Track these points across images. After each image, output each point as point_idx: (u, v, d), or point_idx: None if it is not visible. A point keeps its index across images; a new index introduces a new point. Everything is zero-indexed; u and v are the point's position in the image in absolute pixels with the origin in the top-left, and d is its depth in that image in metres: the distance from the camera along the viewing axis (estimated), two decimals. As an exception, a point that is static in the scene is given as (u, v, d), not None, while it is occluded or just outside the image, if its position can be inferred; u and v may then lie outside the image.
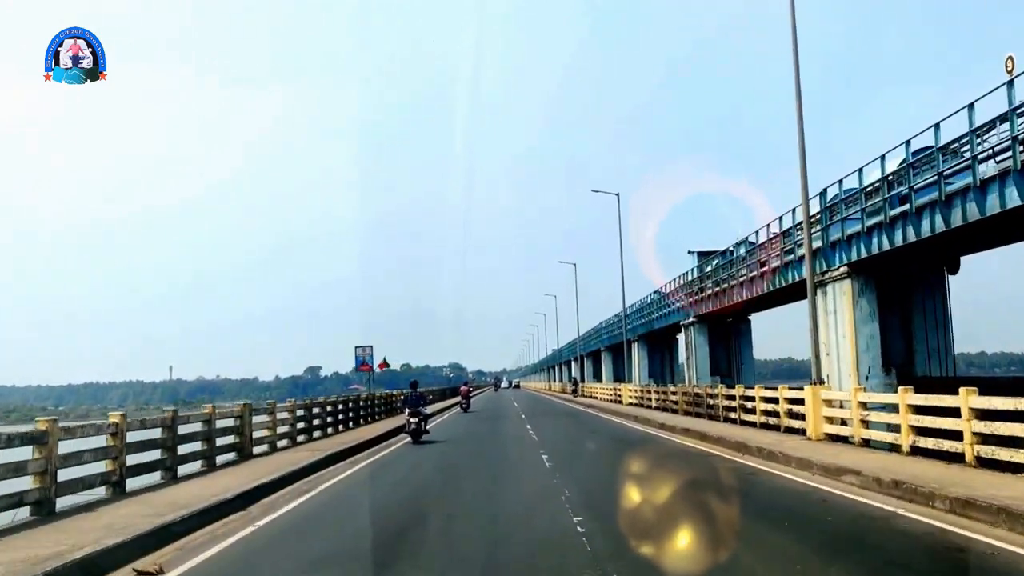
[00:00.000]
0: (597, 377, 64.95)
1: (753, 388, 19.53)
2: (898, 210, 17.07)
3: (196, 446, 12.97)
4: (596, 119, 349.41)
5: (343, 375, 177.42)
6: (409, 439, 19.26)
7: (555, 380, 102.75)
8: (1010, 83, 13.24)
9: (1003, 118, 13.79)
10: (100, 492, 9.83)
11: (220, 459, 13.71)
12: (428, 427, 20.86)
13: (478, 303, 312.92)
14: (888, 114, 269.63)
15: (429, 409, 22.28)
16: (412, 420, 19.06)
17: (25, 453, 8.50)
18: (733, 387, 21.14)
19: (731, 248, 30.83)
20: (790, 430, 16.33)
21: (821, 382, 16.18)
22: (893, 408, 12.40)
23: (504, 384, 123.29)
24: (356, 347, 43.06)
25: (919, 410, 11.76)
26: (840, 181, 19.54)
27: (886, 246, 17.60)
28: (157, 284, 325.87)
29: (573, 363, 78.98)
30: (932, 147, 15.88)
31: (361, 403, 27.39)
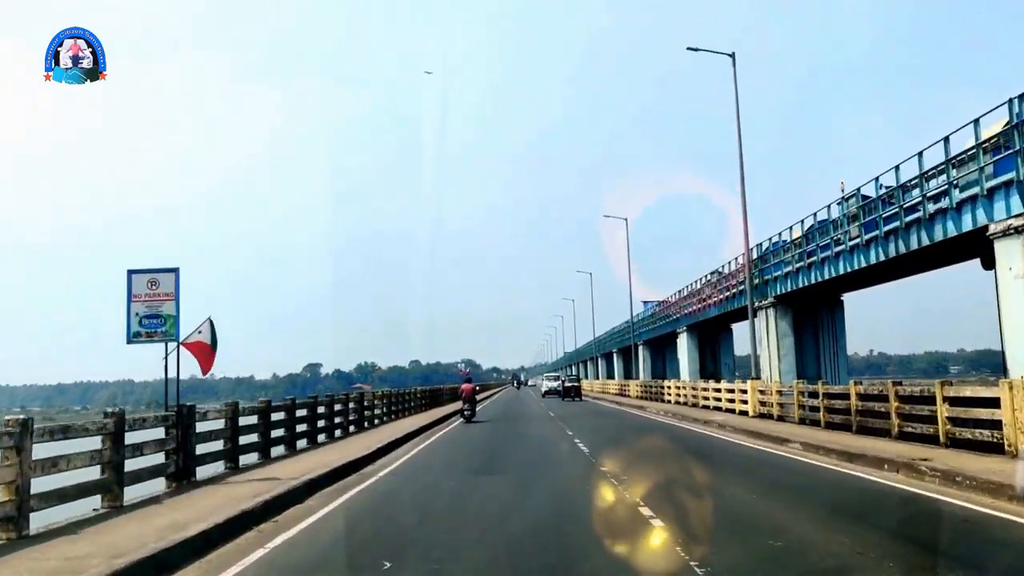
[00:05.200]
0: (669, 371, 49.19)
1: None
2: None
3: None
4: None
5: (345, 372, 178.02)
6: None
7: (620, 374, 67.25)
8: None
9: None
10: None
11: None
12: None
13: (491, 301, 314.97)
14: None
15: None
16: None
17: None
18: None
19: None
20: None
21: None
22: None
23: (547, 384, 60.10)
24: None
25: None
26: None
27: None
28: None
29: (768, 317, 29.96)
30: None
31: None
